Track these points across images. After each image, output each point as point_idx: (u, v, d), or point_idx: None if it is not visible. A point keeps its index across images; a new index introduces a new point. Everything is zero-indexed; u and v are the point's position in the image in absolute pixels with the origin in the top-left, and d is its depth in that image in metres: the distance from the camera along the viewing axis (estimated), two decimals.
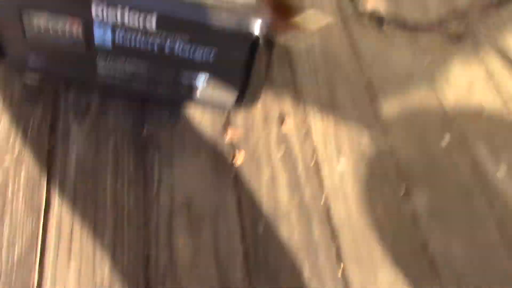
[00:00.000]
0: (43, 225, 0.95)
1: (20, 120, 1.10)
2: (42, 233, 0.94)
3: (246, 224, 1.03)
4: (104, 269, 0.92)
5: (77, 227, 0.96)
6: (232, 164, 1.11)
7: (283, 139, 1.18)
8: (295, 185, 1.09)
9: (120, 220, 0.99)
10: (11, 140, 1.05)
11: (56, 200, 0.98)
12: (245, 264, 0.98)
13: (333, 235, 1.03)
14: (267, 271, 0.97)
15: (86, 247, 0.94)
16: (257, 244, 1.01)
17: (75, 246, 0.93)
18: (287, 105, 1.25)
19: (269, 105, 1.24)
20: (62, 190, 1.00)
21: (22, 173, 1.01)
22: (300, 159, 1.15)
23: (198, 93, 1.10)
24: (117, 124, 1.13)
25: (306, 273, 0.98)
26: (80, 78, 1.12)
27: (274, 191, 1.08)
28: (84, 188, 1.02)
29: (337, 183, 1.12)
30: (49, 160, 1.05)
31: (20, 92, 1.14)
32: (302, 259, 0.99)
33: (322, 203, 1.08)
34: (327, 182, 1.12)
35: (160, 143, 1.11)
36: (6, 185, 0.99)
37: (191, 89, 1.09)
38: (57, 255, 0.92)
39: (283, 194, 1.08)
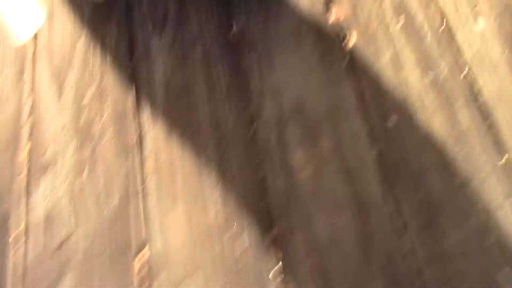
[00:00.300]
0: (140, 165, 0.83)
1: (96, 43, 0.96)
2: (140, 174, 0.82)
3: (373, 120, 0.85)
4: (216, 204, 0.79)
5: (177, 161, 0.83)
6: (343, 49, 0.91)
7: (400, 8, 0.94)
8: (425, 60, 0.87)
9: (224, 140, 0.84)
10: (90, 67, 0.92)
11: (149, 132, 0.85)
12: (380, 168, 0.81)
13: (484, 115, 0.81)
14: (407, 173, 0.79)
15: (191, 182, 0.81)
16: (391, 142, 0.83)
17: (179, 184, 0.81)
18: None
19: None
20: (154, 118, 0.87)
21: (106, 107, 0.88)
22: (426, 27, 0.91)
23: None
24: (202, 29, 0.96)
25: (459, 169, 0.78)
26: None
27: (400, 72, 0.87)
28: (176, 110, 0.88)
29: (479, 48, 0.88)
30: (133, 84, 0.91)
31: (91, 12, 0.99)
32: (450, 152, 0.79)
33: (462, 77, 0.85)
34: (466, 50, 0.88)
35: (254, 40, 0.93)
36: (90, 125, 0.87)
37: None
38: (161, 197, 0.80)
39: (412, 73, 0.87)
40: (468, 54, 0.88)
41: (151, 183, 0.81)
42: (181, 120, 0.87)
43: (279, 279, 0.74)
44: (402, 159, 0.81)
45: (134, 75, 0.92)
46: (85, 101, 0.89)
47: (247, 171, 0.81)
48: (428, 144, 0.81)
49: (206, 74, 0.92)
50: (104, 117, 0.88)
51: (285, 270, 0.74)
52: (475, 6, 0.92)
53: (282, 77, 0.89)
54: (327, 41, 0.93)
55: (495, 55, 0.87)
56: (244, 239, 0.75)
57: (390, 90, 0.87)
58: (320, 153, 0.82)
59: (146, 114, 0.87)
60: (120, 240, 0.76)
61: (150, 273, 0.73)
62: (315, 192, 0.79)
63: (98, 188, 0.81)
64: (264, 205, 0.79)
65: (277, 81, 0.89)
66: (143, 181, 0.81)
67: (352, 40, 0.92)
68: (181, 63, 0.93)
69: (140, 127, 0.86)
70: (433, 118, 0.83)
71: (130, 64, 0.93)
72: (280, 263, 0.75)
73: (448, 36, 0.90)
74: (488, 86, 0.84)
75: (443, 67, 0.88)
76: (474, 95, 0.84)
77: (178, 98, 0.89)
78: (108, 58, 0.95)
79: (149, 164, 0.82)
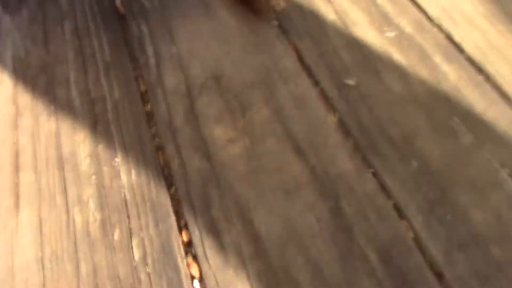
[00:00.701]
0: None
1: None
2: None
3: (325, 81, 0.58)
4: None
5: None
6: (268, 13, 0.66)
7: None
8: (379, 20, 0.64)
9: (110, 116, 0.53)
10: None
11: None
12: (346, 137, 0.52)
13: (476, 69, 0.58)
14: (386, 141, 0.51)
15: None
16: (354, 105, 0.55)
17: None
18: None
19: None
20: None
21: None
22: None
23: None
24: (72, 5, 0.68)
25: (461, 130, 0.52)
26: None
27: (350, 31, 0.62)
28: (37, 90, 0.56)
29: (444, 7, 0.67)
30: None
31: None
32: (441, 111, 0.53)
33: (433, 33, 0.63)
34: (428, 10, 0.67)
35: (148, 12, 0.66)
36: None
37: None
38: None
39: (367, 32, 0.63)
40: (433, 12, 0.66)
41: None
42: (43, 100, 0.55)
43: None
44: (376, 125, 0.54)
45: None
46: None
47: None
48: (407, 105, 0.55)
49: (76, 52, 0.63)
50: None
51: None
52: None
53: (187, 48, 0.62)
54: (247, 7, 0.68)
55: (468, 10, 0.66)
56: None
57: (340, 49, 0.62)
58: (251, 125, 0.53)
59: None
60: None
61: None
62: (251, 174, 0.48)
63: None
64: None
65: (181, 53, 0.62)
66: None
67: (280, 4, 0.68)
68: (42, 43, 0.63)
69: None
70: (409, 77, 0.58)
71: None
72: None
73: None
74: (467, 41, 0.62)
75: (404, 25, 0.65)
76: (455, 50, 0.61)
77: (36, 78, 0.58)
78: None
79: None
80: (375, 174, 0.50)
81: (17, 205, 0.49)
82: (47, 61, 0.63)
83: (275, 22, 0.66)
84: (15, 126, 0.56)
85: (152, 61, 0.62)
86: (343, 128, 0.54)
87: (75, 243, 0.46)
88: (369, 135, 0.53)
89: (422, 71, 0.59)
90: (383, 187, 0.49)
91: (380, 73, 0.60)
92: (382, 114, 0.56)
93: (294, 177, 0.50)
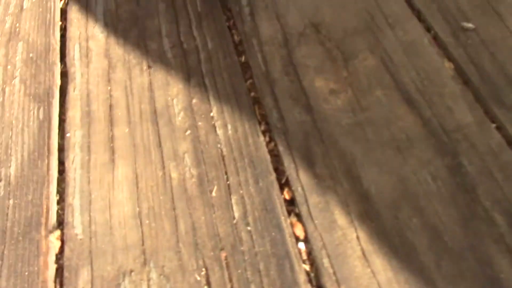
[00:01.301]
0: None
1: None
2: None
3: (438, 26, 0.52)
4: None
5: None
6: None
7: None
8: None
9: (206, 66, 0.50)
10: None
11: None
12: (465, 88, 0.46)
13: None
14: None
15: None
16: (471, 50, 0.49)
17: None
18: None
19: None
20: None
21: None
22: None
23: None
24: None
25: None
26: None
27: None
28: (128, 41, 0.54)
29: None
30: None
31: None
32: None
33: None
34: None
35: None
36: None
37: None
38: None
39: None
40: None
41: None
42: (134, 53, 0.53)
43: None
44: (500, 72, 0.47)
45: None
46: None
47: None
48: None
49: (167, 3, 0.60)
50: None
51: None
52: None
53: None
54: None
55: None
56: None
57: None
58: (356, 76, 0.48)
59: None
60: None
61: None
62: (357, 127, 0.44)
63: None
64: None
65: (277, 0, 0.57)
66: None
67: None
68: None
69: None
70: None
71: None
72: None
73: None
74: None
75: None
76: None
77: (128, 31, 0.56)
78: None
79: None
80: (499, 128, 0.44)
81: (112, 160, 0.48)
82: (138, 14, 0.61)
83: None
84: (108, 80, 0.55)
85: (246, 10, 0.58)
86: (462, 76, 0.48)
87: (172, 200, 0.44)
88: (492, 84, 0.47)
89: None
90: (509, 142, 0.43)
91: (501, 15, 0.53)
92: (506, 60, 0.49)
93: (405, 132, 0.45)
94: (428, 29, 0.53)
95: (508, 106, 0.45)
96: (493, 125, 0.45)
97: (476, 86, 0.47)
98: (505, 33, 0.51)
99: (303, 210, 0.41)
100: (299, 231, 0.41)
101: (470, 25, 0.52)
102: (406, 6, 0.55)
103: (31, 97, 0.54)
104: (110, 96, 0.53)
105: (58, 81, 0.55)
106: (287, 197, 0.43)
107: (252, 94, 0.51)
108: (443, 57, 0.50)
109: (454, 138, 0.44)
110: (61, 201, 0.45)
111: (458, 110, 0.46)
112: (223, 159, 0.46)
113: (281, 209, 0.42)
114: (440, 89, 0.47)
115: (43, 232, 0.44)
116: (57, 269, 0.42)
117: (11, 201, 0.46)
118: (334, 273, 0.38)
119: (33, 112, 0.53)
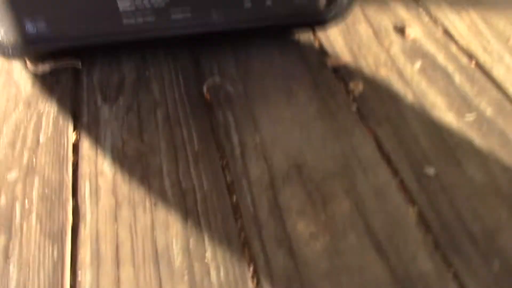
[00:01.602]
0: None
1: (30, 120, 0.73)
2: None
3: (403, 172, 0.59)
4: None
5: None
6: (347, 98, 0.69)
7: (414, 49, 0.74)
8: (458, 101, 0.65)
9: (199, 209, 0.58)
10: (17, 150, 0.68)
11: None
12: (426, 232, 0.54)
13: None
14: (470, 240, 0.52)
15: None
16: (433, 196, 0.56)
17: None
18: (401, 11, 0.82)
19: (373, 16, 0.81)
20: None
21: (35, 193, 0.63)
22: (452, 64, 0.70)
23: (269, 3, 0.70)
24: (164, 94, 0.74)
25: None
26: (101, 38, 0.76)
27: (428, 116, 0.64)
28: (132, 181, 0.62)
29: None
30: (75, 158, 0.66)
31: (31, 88, 0.78)
32: None
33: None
34: (509, 86, 0.66)
35: (231, 99, 0.70)
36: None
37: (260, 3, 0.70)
38: None
39: (446, 115, 0.64)
40: None
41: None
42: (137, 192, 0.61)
43: None
44: (457, 219, 0.54)
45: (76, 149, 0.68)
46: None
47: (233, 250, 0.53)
48: (489, 197, 0.55)
49: (167, 141, 0.68)
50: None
51: None
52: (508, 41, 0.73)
53: (270, 136, 0.66)
54: (326, 92, 0.71)
55: None
56: None
57: (419, 135, 0.63)
58: (333, 219, 0.55)
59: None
60: None
61: None
62: (333, 273, 0.51)
63: None
64: None
65: (264, 141, 0.65)
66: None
67: (358, 87, 0.70)
68: (137, 132, 0.69)
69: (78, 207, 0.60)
70: (490, 165, 0.58)
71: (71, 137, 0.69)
72: None
73: (481, 70, 0.69)
74: None
75: (484, 107, 0.65)
76: None
77: (133, 169, 0.64)
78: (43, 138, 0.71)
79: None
80: (456, 275, 0.51)
81: None
82: (142, 151, 0.68)
83: (354, 107, 0.69)
84: (115, 218, 0.62)
85: (237, 150, 0.66)
86: (424, 222, 0.55)
87: None
88: (450, 231, 0.54)
89: (504, 158, 0.59)
90: None
91: (460, 161, 0.60)
92: (462, 207, 0.56)
93: (375, 279, 0.52)
94: (396, 173, 0.61)
95: (464, 254, 0.52)
96: (450, 272, 0.51)
97: (435, 232, 0.54)
98: (462, 179, 0.59)
99: None
100: None
101: (432, 170, 0.60)
102: (377, 150, 0.63)
103: (46, 235, 0.61)
104: (117, 235, 0.60)
105: (70, 219, 0.62)
106: None
107: (242, 235, 0.58)
108: (408, 202, 0.57)
109: (417, 285, 0.51)
110: None
111: (420, 257, 0.53)
112: None
113: None
114: (406, 235, 0.55)
115: None
116: None
117: None
118: None
119: (48, 250, 0.60)
